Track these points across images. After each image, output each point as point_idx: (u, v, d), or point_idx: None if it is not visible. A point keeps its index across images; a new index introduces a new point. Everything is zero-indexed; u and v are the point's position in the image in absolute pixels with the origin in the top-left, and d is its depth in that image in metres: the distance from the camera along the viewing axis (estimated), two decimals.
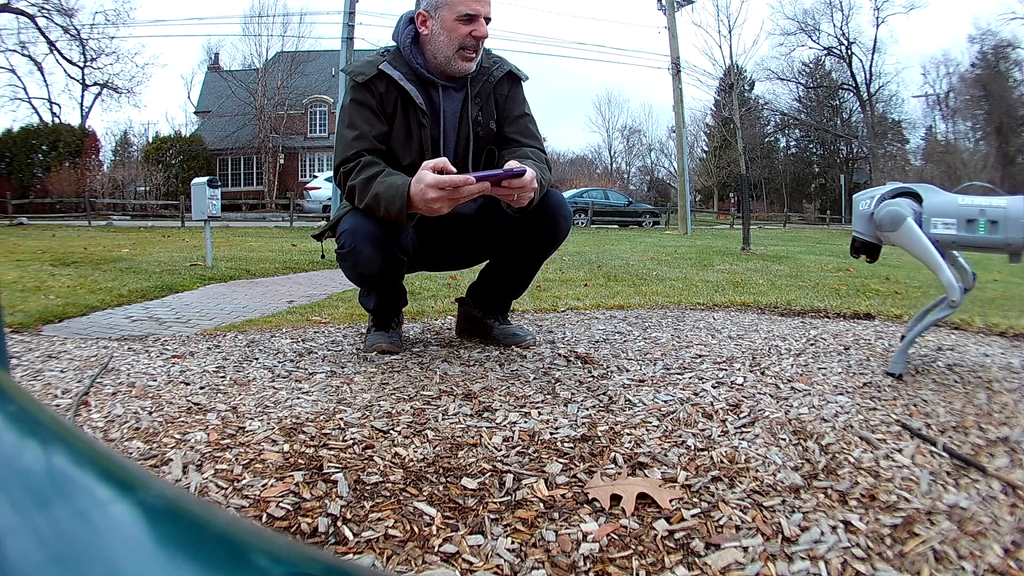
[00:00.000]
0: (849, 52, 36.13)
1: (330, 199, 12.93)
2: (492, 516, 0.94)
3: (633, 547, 0.86)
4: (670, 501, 0.96)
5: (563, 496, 0.99)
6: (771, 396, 1.40)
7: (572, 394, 1.45)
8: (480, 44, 1.76)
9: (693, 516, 0.93)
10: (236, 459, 1.10)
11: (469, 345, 2.01)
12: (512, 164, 1.58)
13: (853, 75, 36.39)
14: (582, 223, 19.39)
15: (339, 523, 0.92)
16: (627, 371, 1.64)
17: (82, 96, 29.12)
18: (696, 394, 1.41)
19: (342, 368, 1.71)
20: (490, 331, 2.04)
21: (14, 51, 27.07)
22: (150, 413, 1.34)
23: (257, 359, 1.85)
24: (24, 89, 28.99)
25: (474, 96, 1.82)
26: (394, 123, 1.77)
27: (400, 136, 1.78)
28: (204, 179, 5.55)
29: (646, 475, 1.05)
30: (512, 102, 1.89)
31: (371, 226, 1.70)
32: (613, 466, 1.08)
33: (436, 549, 0.86)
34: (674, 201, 23.90)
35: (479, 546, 0.87)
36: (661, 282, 4.40)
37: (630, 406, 1.36)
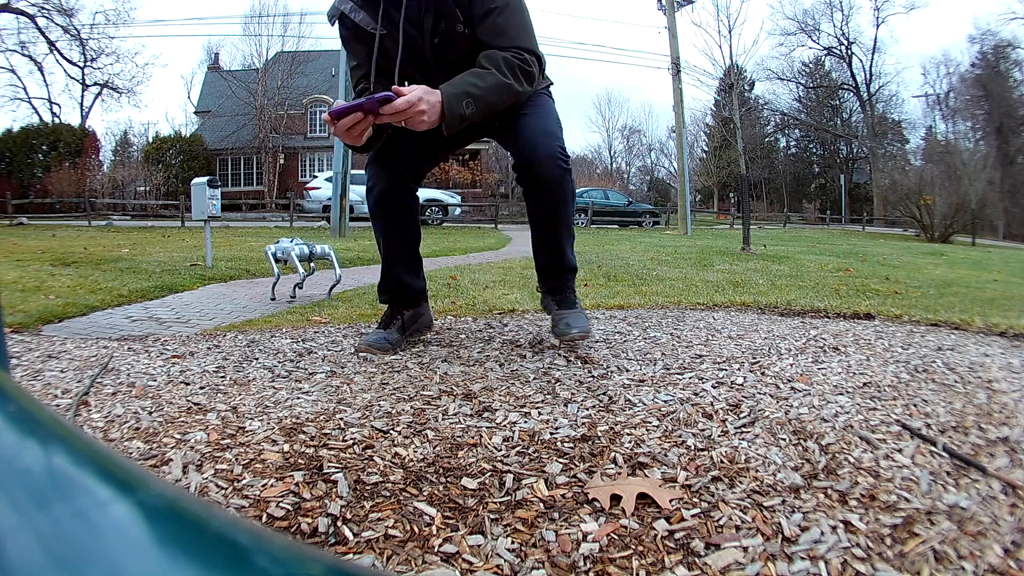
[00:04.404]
0: (849, 52, 36.15)
1: (330, 199, 12.90)
2: (492, 516, 0.94)
3: (633, 547, 0.86)
4: (670, 501, 0.96)
5: (563, 496, 0.99)
6: (771, 396, 1.40)
7: (572, 394, 1.45)
8: None
9: (693, 516, 0.93)
10: (236, 459, 1.10)
11: (469, 345, 2.01)
12: (407, 87, 1.55)
13: (853, 75, 36.41)
14: (582, 223, 19.40)
15: (339, 523, 0.92)
16: (627, 371, 1.63)
17: (82, 96, 29.17)
18: (696, 394, 1.41)
19: (342, 368, 1.71)
20: (551, 313, 1.97)
21: (14, 51, 27.12)
22: (150, 413, 1.34)
23: (257, 359, 1.84)
24: (24, 89, 29.06)
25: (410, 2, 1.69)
26: (372, 45, 1.76)
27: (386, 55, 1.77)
28: (204, 179, 5.55)
29: (646, 475, 1.05)
30: None
31: (377, 151, 1.83)
32: (613, 466, 1.08)
33: (436, 549, 0.86)
34: (674, 201, 23.90)
35: (479, 546, 0.87)
36: (661, 282, 4.40)
37: (630, 406, 1.36)
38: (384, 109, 1.51)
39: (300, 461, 1.09)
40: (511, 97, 1.69)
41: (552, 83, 2.04)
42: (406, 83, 1.63)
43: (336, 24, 1.82)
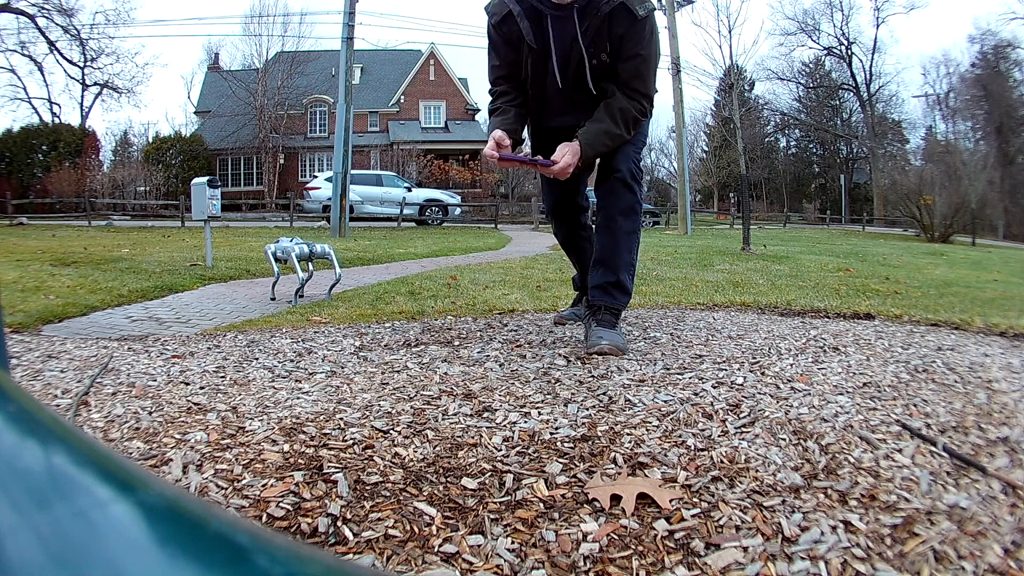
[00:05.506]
0: (849, 52, 36.14)
1: (330, 199, 12.90)
2: (492, 516, 0.94)
3: (633, 547, 0.86)
4: (670, 501, 0.96)
5: (563, 496, 0.99)
6: (771, 396, 1.40)
7: (572, 394, 1.45)
8: None
9: (693, 516, 0.93)
10: (236, 459, 1.10)
11: (469, 345, 2.01)
12: (558, 151, 1.87)
13: (853, 75, 36.40)
14: None
15: (339, 523, 0.92)
16: (627, 371, 1.63)
17: (82, 96, 29.17)
18: (696, 394, 1.41)
19: (342, 368, 1.71)
20: (586, 329, 1.98)
21: (14, 51, 27.11)
22: (150, 413, 1.34)
23: (257, 359, 1.84)
24: (24, 89, 29.04)
25: (583, 28, 1.87)
26: (521, 51, 1.97)
27: (525, 63, 1.99)
28: (204, 179, 5.57)
29: (646, 475, 1.05)
30: (630, 40, 1.89)
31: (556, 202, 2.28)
32: (613, 466, 1.08)
33: (436, 549, 0.86)
34: (674, 201, 23.89)
35: (479, 546, 0.87)
36: (661, 282, 4.41)
37: (630, 406, 1.36)
38: (543, 170, 1.89)
39: (300, 461, 1.09)
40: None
41: (656, 91, 2.19)
42: (560, 93, 1.98)
43: (495, 21, 1.97)
